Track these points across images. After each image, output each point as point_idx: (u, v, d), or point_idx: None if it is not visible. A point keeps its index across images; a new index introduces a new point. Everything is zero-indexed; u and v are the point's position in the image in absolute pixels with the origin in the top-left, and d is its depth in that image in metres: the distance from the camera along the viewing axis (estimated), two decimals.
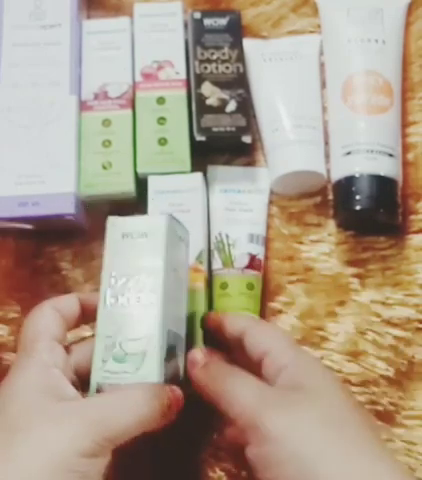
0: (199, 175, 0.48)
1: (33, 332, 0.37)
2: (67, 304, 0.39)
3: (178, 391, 0.37)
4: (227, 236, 0.47)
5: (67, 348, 0.38)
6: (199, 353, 0.39)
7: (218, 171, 0.51)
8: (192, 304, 0.43)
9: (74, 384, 0.36)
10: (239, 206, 0.49)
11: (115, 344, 0.37)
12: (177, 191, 0.47)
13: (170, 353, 0.38)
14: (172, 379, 0.38)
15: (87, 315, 0.40)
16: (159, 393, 0.35)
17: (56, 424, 0.32)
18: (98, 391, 0.36)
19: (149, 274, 0.39)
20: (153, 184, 0.47)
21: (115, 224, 0.41)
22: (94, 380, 0.37)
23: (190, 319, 0.43)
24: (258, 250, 0.48)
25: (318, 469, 0.31)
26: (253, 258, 0.47)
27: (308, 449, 0.32)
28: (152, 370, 0.37)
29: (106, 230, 0.40)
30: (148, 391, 0.35)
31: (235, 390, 0.35)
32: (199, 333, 0.43)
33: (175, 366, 0.39)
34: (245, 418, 0.34)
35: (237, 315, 0.42)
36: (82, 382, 0.38)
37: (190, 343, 0.42)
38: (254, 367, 0.37)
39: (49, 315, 0.38)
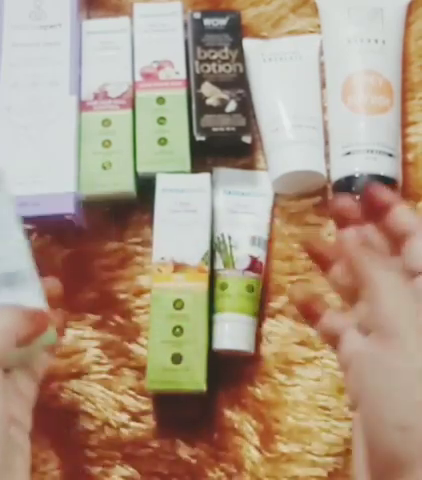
0: (207, 176, 0.47)
1: None
2: None
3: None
4: (229, 237, 0.47)
5: None
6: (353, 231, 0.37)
7: (222, 173, 0.50)
8: (195, 305, 0.44)
9: None
10: (242, 208, 0.49)
11: None
12: (185, 190, 0.47)
13: None
14: None
15: None
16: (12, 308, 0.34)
17: None
18: None
19: None
20: (161, 182, 0.47)
21: None
22: None
23: (194, 320, 0.43)
24: (259, 253, 0.47)
25: None
26: (254, 261, 0.47)
27: None
28: None
29: None
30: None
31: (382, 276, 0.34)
32: (203, 334, 0.43)
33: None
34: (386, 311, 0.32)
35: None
36: None
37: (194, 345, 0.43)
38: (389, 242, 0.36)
39: None
